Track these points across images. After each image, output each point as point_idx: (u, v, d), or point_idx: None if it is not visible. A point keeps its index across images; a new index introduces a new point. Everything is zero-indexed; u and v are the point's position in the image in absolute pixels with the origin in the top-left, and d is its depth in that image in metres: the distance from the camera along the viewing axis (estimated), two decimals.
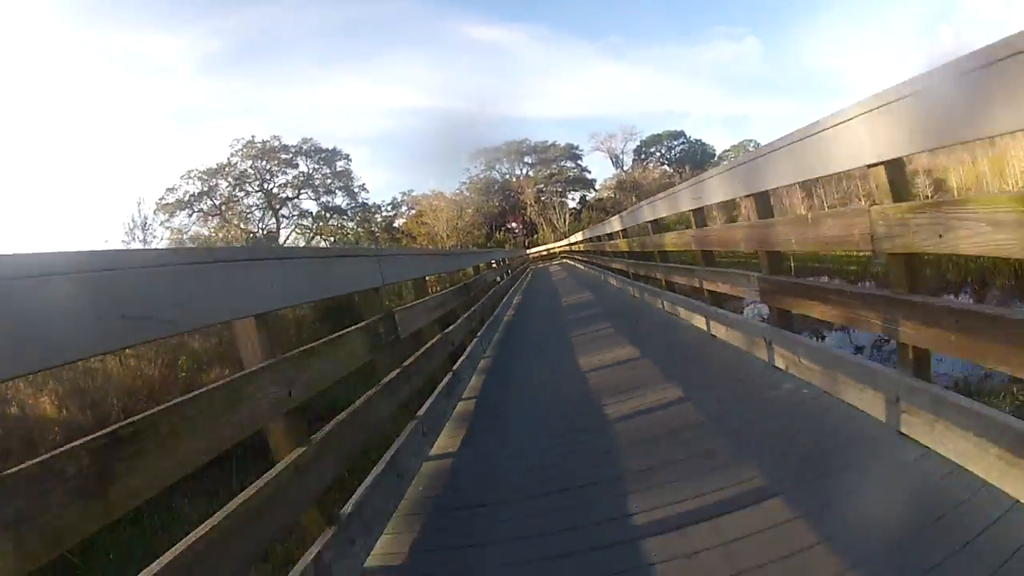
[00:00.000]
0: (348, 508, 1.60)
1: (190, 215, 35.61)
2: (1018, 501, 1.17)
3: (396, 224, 39.52)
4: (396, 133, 54.43)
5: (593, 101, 59.74)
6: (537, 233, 37.45)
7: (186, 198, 35.52)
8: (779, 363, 2.39)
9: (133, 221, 23.60)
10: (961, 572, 1.06)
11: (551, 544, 1.53)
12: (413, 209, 38.50)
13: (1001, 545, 1.08)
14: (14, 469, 0.71)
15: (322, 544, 1.35)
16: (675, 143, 42.66)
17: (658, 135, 42.12)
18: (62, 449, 0.78)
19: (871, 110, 1.44)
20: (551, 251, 29.89)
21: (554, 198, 41.56)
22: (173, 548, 0.92)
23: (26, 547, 0.70)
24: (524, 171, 43.44)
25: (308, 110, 49.87)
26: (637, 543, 1.43)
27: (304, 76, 53.06)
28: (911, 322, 1.48)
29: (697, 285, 3.62)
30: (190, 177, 34.47)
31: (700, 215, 3.47)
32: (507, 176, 43.60)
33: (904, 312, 1.52)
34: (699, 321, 3.56)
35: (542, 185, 42.22)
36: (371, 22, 50.47)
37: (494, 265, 10.15)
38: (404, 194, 38.89)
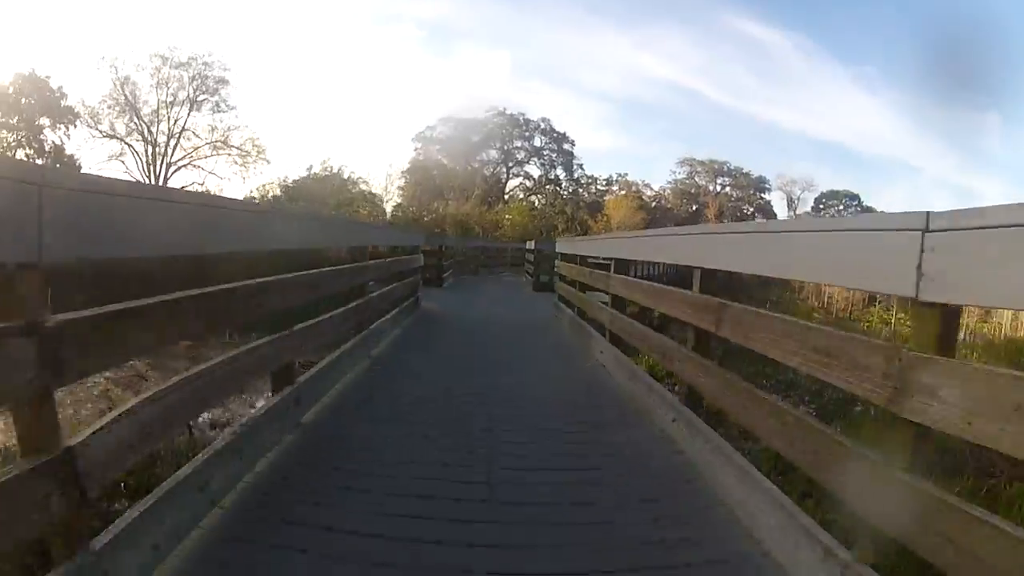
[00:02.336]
0: None
1: (440, 152, 46.29)
2: None
3: (605, 198, 44.92)
4: (644, 100, 56.26)
5: (833, 124, 58.77)
6: None
7: (441, 137, 46.05)
8: None
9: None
10: None
11: None
12: (624, 191, 45.19)
13: None
14: None
15: None
16: (851, 203, 45.20)
17: (836, 191, 45.62)
18: None
19: None
20: None
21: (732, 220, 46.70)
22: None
23: None
24: (716, 189, 47.66)
25: (564, 51, 54.41)
26: None
27: (568, 16, 54.33)
28: None
29: None
30: (448, 121, 44.17)
31: None
32: (700, 190, 47.76)
33: None
34: None
35: (727, 205, 47.53)
36: None
37: None
38: (619, 175, 46.25)
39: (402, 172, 40.02)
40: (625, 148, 60.28)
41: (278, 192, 27.83)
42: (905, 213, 1.26)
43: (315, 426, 2.72)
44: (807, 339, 1.65)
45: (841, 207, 45.50)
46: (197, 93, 29.78)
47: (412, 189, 39.67)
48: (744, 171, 47.93)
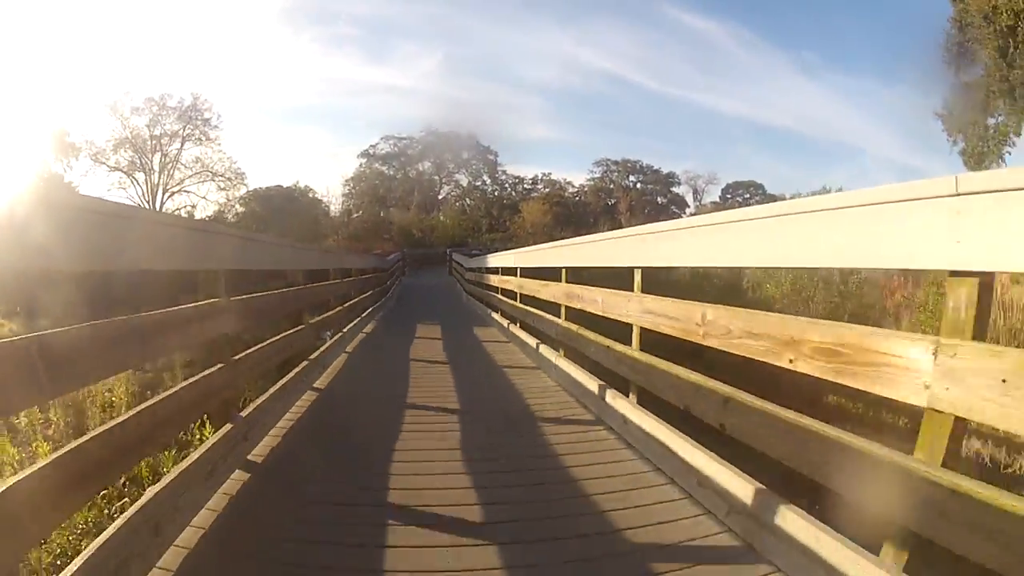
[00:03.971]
0: None
1: (382, 165, 53.25)
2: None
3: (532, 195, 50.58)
4: (582, 94, 61.60)
5: (774, 111, 65.36)
6: None
7: (382, 153, 53.32)
8: None
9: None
10: None
11: None
12: (548, 189, 49.43)
13: None
14: None
15: None
16: (756, 193, 48.89)
17: (742, 182, 50.87)
18: None
19: None
20: None
21: (643, 213, 49.79)
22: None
23: None
24: (629, 185, 52.21)
25: (502, 46, 59.94)
26: None
27: (505, 13, 60.25)
28: None
29: None
30: (388, 139, 53.03)
31: None
32: (615, 186, 53.52)
33: None
34: None
35: (639, 200, 51.92)
36: None
37: None
38: (544, 175, 51.31)
39: (347, 180, 48.01)
40: (563, 140, 66.72)
41: (240, 208, 36.14)
42: None
43: (397, 300, 14.82)
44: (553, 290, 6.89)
45: (748, 196, 48.84)
46: (185, 130, 36.61)
47: (359, 198, 47.80)
48: (655, 168, 52.40)
